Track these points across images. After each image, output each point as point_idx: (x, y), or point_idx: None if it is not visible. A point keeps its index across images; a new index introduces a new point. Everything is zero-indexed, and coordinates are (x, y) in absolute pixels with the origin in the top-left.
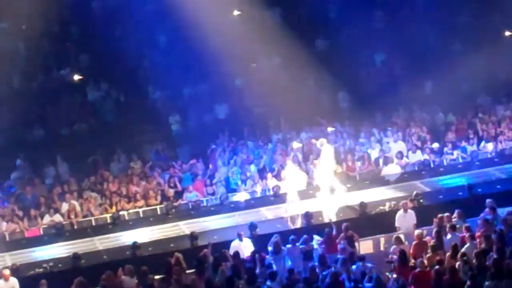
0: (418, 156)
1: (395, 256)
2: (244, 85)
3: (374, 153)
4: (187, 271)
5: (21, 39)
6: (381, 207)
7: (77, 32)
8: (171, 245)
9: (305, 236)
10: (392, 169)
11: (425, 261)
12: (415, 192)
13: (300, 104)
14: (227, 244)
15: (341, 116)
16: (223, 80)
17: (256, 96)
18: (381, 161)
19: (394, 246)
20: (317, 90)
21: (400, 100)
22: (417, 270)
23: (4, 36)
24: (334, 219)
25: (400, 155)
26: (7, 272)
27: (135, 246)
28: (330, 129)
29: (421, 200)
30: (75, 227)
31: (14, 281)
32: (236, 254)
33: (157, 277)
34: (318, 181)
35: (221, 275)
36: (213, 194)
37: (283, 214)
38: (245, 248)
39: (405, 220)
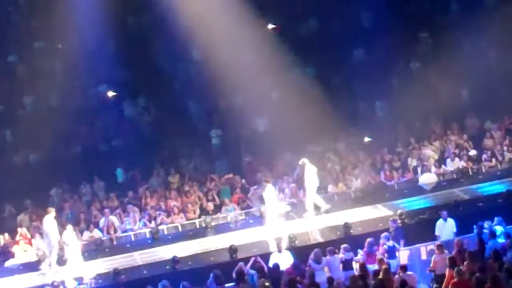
0: (456, 164)
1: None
2: (280, 97)
3: (412, 162)
4: (226, 285)
5: (58, 57)
6: (421, 216)
7: (113, 49)
8: (211, 258)
9: (345, 245)
10: (429, 178)
11: (464, 269)
12: (399, 211)
13: (336, 114)
14: (266, 256)
15: (377, 126)
16: (259, 92)
17: (292, 107)
18: (419, 170)
19: (435, 255)
20: (353, 100)
21: (437, 108)
22: (456, 279)
23: (41, 55)
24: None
25: (438, 163)
26: None
27: (174, 260)
28: (366, 139)
29: (405, 220)
30: (115, 242)
31: None
32: (276, 266)
33: None
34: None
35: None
36: (251, 207)
37: (264, 237)
38: (284, 260)
39: (445, 228)
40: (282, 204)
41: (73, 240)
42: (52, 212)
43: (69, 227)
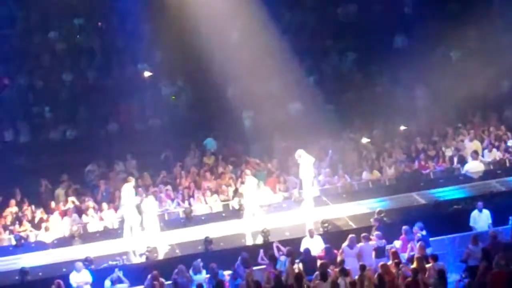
0: (493, 155)
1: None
2: (317, 82)
3: (448, 152)
4: (254, 268)
5: (97, 35)
6: (455, 206)
7: (152, 28)
8: (243, 240)
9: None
10: (475, 166)
11: (502, 261)
12: (378, 209)
13: (373, 100)
14: (298, 241)
15: (414, 113)
16: (296, 77)
17: (329, 93)
18: (455, 159)
19: (469, 246)
20: (392, 87)
21: (476, 98)
22: (495, 270)
23: (81, 32)
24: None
25: (475, 154)
26: (80, 264)
27: (207, 241)
28: (402, 127)
29: (384, 218)
30: None
31: (86, 273)
32: (307, 250)
33: (227, 272)
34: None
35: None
36: (285, 191)
37: (243, 230)
38: (315, 245)
39: (480, 219)
40: (263, 196)
41: (152, 209)
42: (131, 181)
43: (151, 197)
